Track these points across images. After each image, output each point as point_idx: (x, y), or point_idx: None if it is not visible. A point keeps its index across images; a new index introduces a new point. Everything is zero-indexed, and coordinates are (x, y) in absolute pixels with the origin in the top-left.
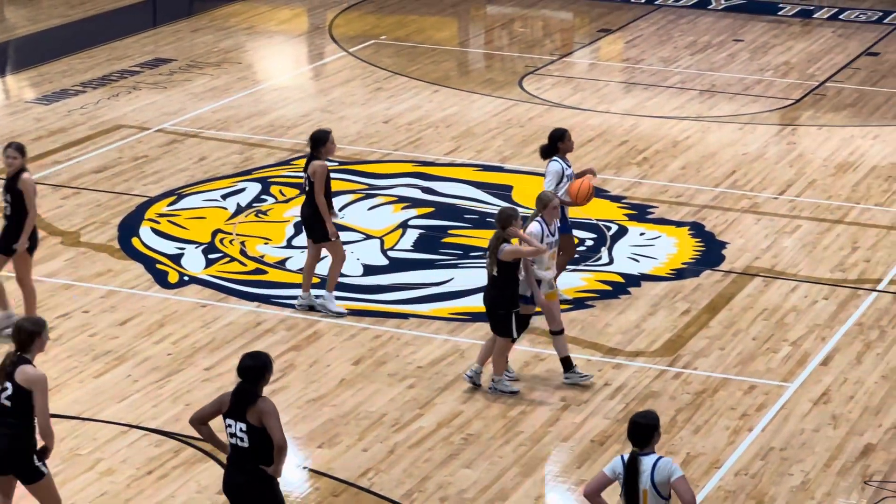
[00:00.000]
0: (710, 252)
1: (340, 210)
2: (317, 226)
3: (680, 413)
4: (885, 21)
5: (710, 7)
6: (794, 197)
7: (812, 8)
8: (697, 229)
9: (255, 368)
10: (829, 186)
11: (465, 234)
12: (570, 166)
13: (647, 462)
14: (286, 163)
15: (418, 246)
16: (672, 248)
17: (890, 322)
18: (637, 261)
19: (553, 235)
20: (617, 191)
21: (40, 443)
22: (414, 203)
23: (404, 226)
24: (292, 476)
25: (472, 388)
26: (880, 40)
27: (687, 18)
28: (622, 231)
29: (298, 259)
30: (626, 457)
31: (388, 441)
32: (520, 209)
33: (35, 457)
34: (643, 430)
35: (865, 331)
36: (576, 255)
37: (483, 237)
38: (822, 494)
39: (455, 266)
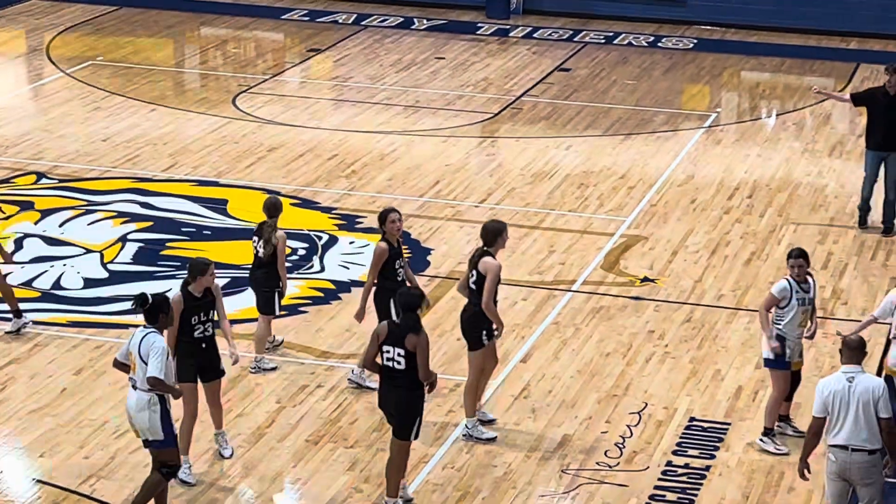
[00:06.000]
0: (417, 258)
1: (60, 226)
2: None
3: None
4: (576, 39)
5: (413, 27)
6: (495, 205)
7: (508, 27)
8: (404, 237)
9: (414, 303)
10: (527, 194)
11: (183, 246)
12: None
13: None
14: (6, 181)
15: (138, 258)
16: None
17: (583, 320)
18: (347, 268)
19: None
20: (327, 202)
21: None
22: (133, 218)
23: (124, 240)
24: (16, 486)
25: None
26: (571, 57)
27: (392, 38)
28: (333, 240)
29: (18, 274)
30: (793, 280)
31: (109, 448)
32: (232, 222)
33: (484, 332)
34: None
35: (561, 329)
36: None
37: (200, 249)
38: (524, 484)
39: (174, 277)
